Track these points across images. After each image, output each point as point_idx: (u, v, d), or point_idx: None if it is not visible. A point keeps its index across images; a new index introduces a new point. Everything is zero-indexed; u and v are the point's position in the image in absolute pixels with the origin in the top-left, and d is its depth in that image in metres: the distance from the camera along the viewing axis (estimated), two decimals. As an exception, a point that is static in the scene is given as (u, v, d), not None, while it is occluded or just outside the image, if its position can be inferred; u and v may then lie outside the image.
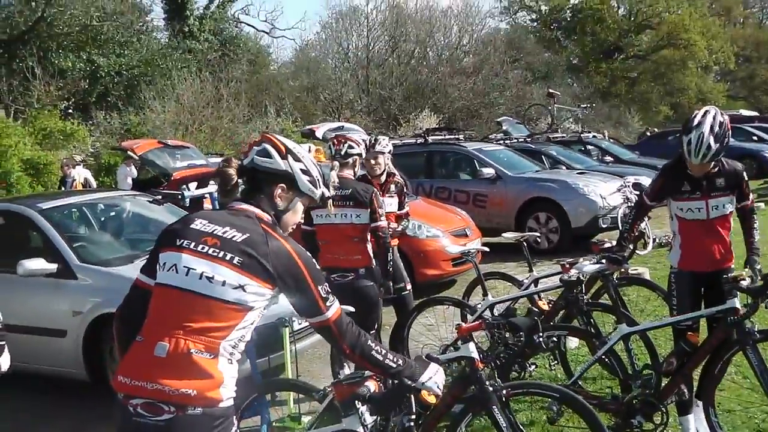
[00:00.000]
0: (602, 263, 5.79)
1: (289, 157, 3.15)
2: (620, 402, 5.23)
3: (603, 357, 5.57)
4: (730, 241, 5.31)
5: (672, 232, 5.49)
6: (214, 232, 2.98)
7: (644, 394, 5.19)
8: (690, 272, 5.31)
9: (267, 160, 3.14)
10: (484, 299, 6.89)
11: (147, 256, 3.16)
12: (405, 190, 7.75)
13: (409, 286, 7.34)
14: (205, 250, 2.94)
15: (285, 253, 2.98)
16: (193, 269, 2.91)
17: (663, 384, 5.28)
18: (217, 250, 2.93)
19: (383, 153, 7.36)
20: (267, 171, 3.14)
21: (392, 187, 7.54)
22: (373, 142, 7.41)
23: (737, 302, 4.90)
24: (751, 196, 5.37)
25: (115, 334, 3.16)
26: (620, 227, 13.09)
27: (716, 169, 5.13)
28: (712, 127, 4.86)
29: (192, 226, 3.03)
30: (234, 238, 2.96)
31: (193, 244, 2.96)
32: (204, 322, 2.86)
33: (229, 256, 2.92)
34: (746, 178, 5.31)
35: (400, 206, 7.64)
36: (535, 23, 55.51)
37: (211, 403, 2.83)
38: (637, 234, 5.79)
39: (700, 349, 5.09)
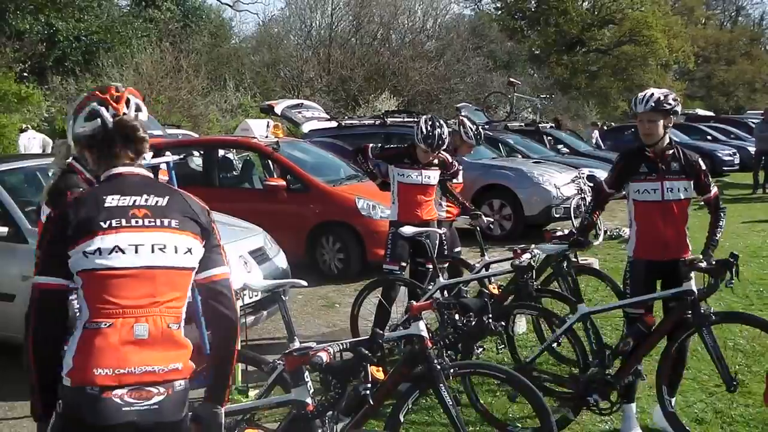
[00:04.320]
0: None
1: None
2: (577, 380, 5.33)
3: (551, 344, 5.72)
4: (687, 234, 5.34)
5: (629, 221, 5.48)
6: (136, 203, 2.86)
7: (601, 373, 5.27)
8: (645, 261, 5.31)
9: None
10: (435, 281, 6.93)
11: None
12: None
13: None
14: (140, 224, 2.83)
15: (200, 204, 3.02)
16: (140, 245, 2.80)
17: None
18: (152, 219, 2.85)
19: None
20: None
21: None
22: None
23: (693, 285, 5.00)
24: (714, 188, 5.39)
25: (31, 357, 2.80)
26: (572, 218, 13.28)
27: (671, 152, 5.23)
28: None
29: (107, 205, 2.83)
30: (158, 204, 2.89)
31: (123, 221, 2.81)
32: (169, 293, 2.82)
33: (165, 221, 2.86)
34: (704, 169, 5.34)
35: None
36: (500, 12, 55.58)
37: (190, 374, 2.89)
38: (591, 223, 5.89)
39: (655, 331, 5.19)
